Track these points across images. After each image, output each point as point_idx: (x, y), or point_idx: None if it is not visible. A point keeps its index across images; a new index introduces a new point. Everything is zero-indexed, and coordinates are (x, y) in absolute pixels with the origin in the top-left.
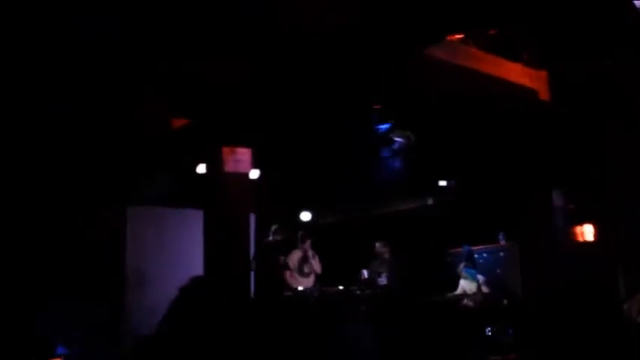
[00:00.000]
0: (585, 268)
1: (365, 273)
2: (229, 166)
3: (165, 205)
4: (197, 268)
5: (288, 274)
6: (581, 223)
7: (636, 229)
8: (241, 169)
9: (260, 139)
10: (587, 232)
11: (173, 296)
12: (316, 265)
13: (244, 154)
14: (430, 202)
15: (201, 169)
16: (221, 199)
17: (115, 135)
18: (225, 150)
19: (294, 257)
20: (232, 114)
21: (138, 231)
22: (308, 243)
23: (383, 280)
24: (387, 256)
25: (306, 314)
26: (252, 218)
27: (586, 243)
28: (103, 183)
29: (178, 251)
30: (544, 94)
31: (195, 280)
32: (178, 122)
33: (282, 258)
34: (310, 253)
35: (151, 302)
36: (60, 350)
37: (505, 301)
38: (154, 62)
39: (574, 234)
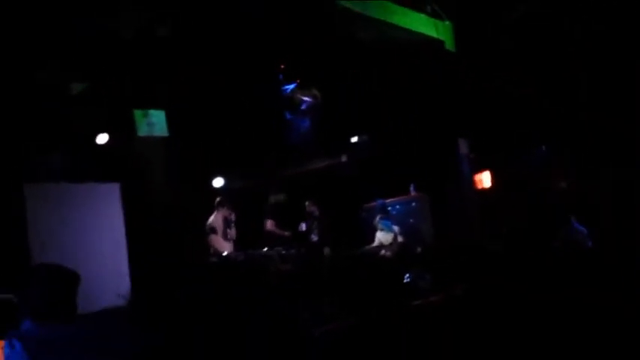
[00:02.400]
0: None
1: (303, 226)
2: (142, 130)
3: (68, 180)
4: (107, 246)
5: (213, 237)
6: (480, 170)
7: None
8: (156, 132)
9: (171, 103)
10: (484, 179)
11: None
12: (233, 231)
13: (158, 116)
14: (344, 159)
15: (104, 138)
16: (138, 166)
17: (8, 104)
18: (137, 113)
19: (218, 221)
20: (141, 73)
21: (39, 210)
22: (227, 208)
23: (314, 237)
24: (316, 214)
25: (235, 279)
26: None
27: (487, 188)
28: None
29: (86, 230)
30: (450, 45)
31: None
32: (78, 86)
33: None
34: (232, 217)
35: None
36: None
37: (419, 249)
38: (50, 20)
39: (474, 181)
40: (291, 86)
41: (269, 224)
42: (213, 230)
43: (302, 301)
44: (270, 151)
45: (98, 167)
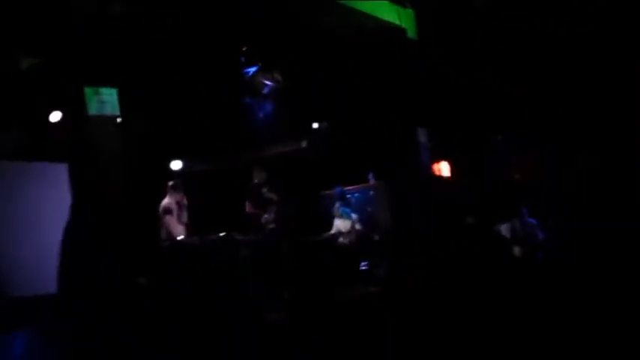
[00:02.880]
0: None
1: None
2: (94, 108)
3: (17, 159)
4: (57, 228)
5: (168, 219)
6: (439, 160)
7: (487, 163)
8: (107, 111)
9: (125, 80)
10: (443, 168)
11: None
12: (186, 215)
13: (110, 94)
14: (304, 144)
15: (56, 116)
16: (86, 146)
17: None
18: (88, 91)
19: (172, 204)
20: (94, 49)
21: None
22: (180, 192)
23: (272, 224)
24: (275, 200)
25: (189, 263)
26: None
27: (447, 177)
28: None
29: (34, 211)
30: (411, 33)
31: None
32: (29, 61)
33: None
34: (184, 201)
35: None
36: None
37: (376, 237)
38: None
39: (433, 170)
40: (253, 69)
41: (248, 206)
42: (167, 212)
43: (260, 287)
44: (229, 135)
45: (47, 146)
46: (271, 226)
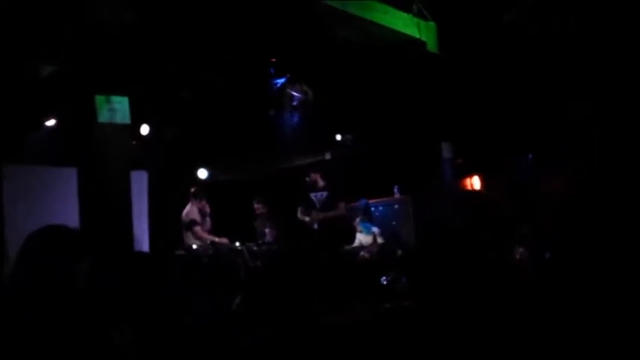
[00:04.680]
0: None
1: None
2: (103, 116)
3: (47, 163)
4: None
5: (199, 229)
6: (469, 175)
7: (519, 180)
8: (118, 119)
9: (143, 89)
10: (475, 184)
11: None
12: (209, 223)
13: (121, 102)
14: (328, 156)
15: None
16: (94, 153)
17: None
18: (99, 98)
19: (195, 212)
20: (107, 58)
21: (16, 192)
22: (201, 199)
23: (268, 237)
24: (264, 212)
25: (197, 273)
26: (145, 176)
27: (474, 193)
28: None
29: (64, 215)
30: (432, 46)
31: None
32: (47, 69)
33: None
34: (207, 209)
35: None
36: None
37: (399, 251)
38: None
39: (464, 185)
40: (281, 80)
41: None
42: (195, 223)
43: (272, 299)
44: (255, 146)
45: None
46: (267, 238)
